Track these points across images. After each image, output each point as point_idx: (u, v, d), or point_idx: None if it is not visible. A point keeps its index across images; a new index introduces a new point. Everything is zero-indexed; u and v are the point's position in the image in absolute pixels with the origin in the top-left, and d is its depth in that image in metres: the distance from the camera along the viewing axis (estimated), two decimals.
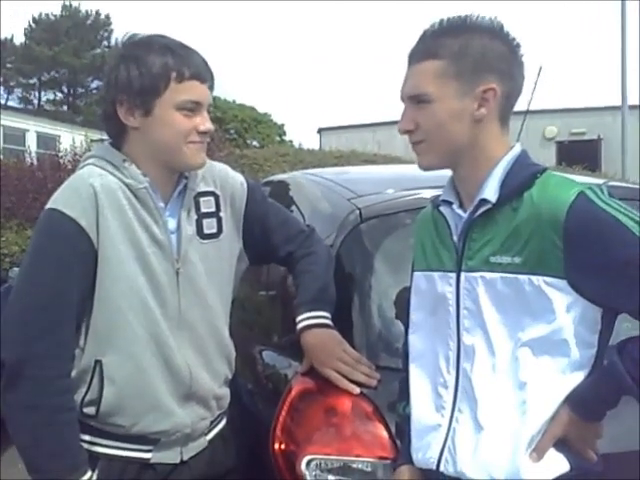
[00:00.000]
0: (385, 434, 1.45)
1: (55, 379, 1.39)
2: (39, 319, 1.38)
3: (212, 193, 1.59)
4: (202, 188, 1.57)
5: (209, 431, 1.59)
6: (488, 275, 1.23)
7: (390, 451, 1.43)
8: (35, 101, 37.29)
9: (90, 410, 1.45)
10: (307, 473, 1.42)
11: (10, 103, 33.84)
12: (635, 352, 1.16)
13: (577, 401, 1.19)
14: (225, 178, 1.63)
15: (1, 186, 8.21)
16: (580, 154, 14.79)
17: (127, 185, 1.45)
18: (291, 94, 73.63)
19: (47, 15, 35.33)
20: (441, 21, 1.29)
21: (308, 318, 1.55)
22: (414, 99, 1.28)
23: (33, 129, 20.96)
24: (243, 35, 77.16)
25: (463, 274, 1.26)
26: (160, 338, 1.46)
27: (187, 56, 1.45)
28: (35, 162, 9.87)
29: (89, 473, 1.41)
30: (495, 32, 1.27)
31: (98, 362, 1.44)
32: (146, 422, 1.46)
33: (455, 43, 1.24)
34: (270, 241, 1.67)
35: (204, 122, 1.47)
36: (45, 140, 20.17)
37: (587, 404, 1.19)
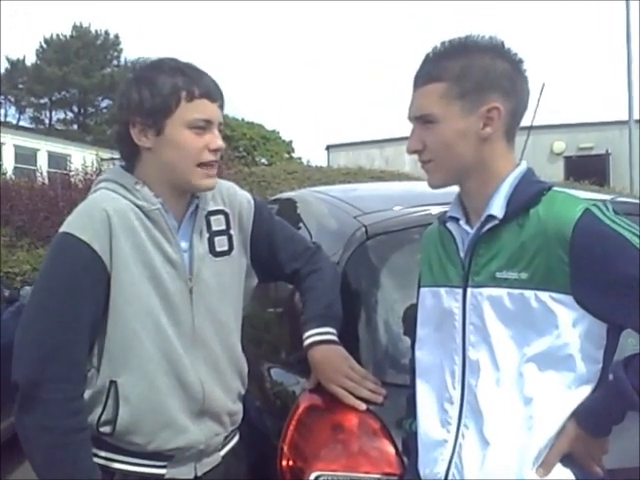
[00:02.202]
0: (392, 450, 1.45)
1: (68, 401, 1.40)
2: (51, 342, 1.39)
3: (222, 211, 1.61)
4: (212, 207, 1.59)
5: (223, 447, 1.60)
6: (494, 291, 1.23)
7: (397, 467, 1.43)
8: (46, 121, 37.67)
9: (106, 429, 1.46)
10: None
11: (22, 123, 34.25)
12: None
13: (584, 416, 1.19)
14: (233, 196, 1.65)
15: (13, 205, 8.30)
16: (588, 169, 14.76)
17: (139, 207, 1.47)
18: (300, 111, 74.07)
19: (58, 36, 35.82)
20: (442, 43, 1.30)
21: (314, 335, 1.56)
22: (421, 119, 1.30)
23: (44, 148, 21.18)
24: (252, 53, 77.85)
25: (469, 290, 1.27)
26: (173, 356, 1.48)
27: (196, 76, 1.49)
28: (46, 181, 9.97)
29: None
30: (496, 50, 1.28)
31: (113, 383, 1.45)
32: (161, 440, 1.47)
33: (456, 65, 1.26)
34: (276, 258, 1.69)
35: (215, 140, 1.50)
36: (56, 159, 20.37)
37: (594, 419, 1.19)
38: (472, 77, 1.25)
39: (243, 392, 1.65)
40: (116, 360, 1.45)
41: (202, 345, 1.52)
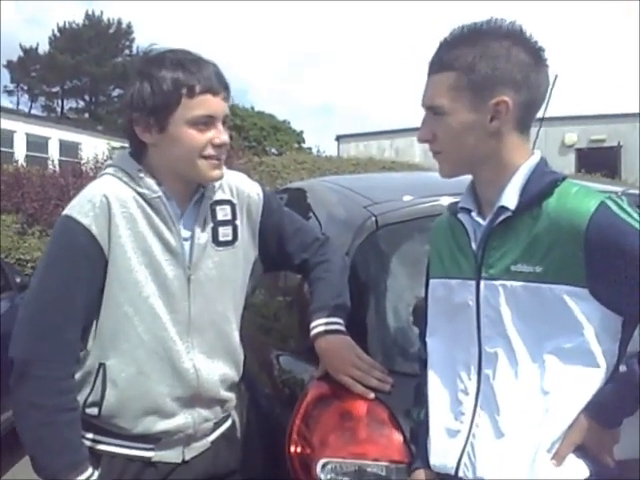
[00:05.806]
0: (400, 438, 1.46)
1: (58, 380, 1.43)
2: (45, 321, 1.42)
3: (228, 202, 1.61)
4: (219, 196, 1.59)
5: (212, 432, 1.61)
6: (509, 283, 1.22)
7: (405, 455, 1.44)
8: (58, 109, 37.78)
9: (93, 410, 1.48)
10: (322, 476, 1.44)
11: (34, 111, 34.38)
12: None
13: (596, 408, 1.19)
14: (242, 187, 1.65)
15: (24, 193, 8.36)
16: (600, 161, 14.67)
17: (141, 195, 1.48)
18: (311, 101, 73.85)
19: (70, 24, 35.86)
20: (460, 28, 1.27)
21: (322, 324, 1.57)
22: (431, 110, 1.28)
23: (56, 137, 21.24)
24: (265, 43, 77.63)
25: (483, 282, 1.26)
26: (167, 343, 1.49)
27: (198, 70, 1.46)
28: (57, 169, 10.02)
29: (90, 470, 1.44)
30: (515, 38, 1.24)
31: (102, 365, 1.47)
32: (147, 424, 1.49)
33: (469, 54, 1.23)
34: (285, 249, 1.69)
35: (219, 135, 1.47)
36: (67, 147, 20.48)
37: (606, 412, 1.19)
38: (483, 69, 1.22)
39: (237, 380, 1.66)
40: (106, 343, 1.47)
41: (198, 333, 1.53)
